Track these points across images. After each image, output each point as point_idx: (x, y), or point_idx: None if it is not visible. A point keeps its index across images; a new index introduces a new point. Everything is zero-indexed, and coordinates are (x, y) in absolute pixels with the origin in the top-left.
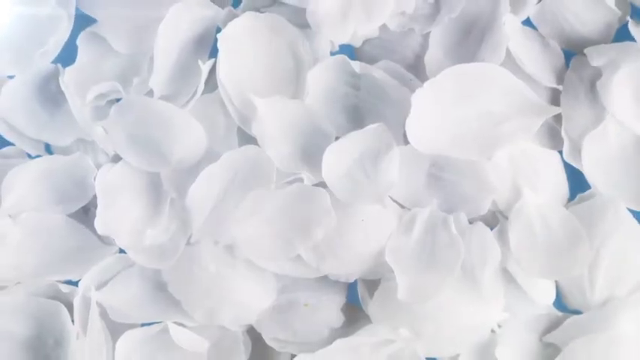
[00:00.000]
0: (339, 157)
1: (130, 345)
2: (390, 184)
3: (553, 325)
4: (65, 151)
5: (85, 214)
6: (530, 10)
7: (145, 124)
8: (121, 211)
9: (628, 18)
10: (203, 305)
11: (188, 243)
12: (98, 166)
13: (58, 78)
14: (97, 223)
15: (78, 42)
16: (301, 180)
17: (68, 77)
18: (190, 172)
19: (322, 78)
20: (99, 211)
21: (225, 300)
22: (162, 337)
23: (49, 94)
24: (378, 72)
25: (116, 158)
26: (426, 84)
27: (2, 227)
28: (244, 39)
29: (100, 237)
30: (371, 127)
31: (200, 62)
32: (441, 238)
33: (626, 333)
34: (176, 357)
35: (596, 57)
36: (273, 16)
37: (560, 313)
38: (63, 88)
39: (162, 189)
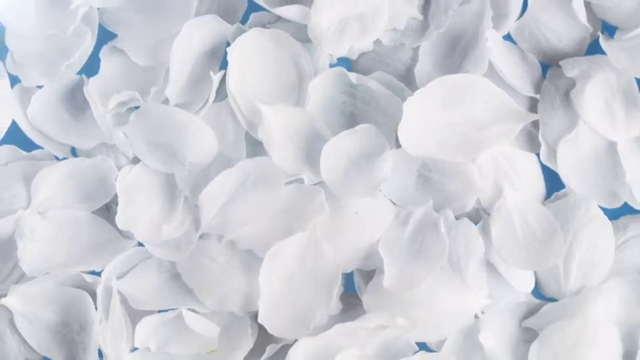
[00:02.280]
0: (337, 159)
1: (148, 329)
2: (381, 179)
3: (531, 311)
4: (89, 153)
5: (107, 210)
6: (511, 26)
7: (161, 130)
8: (139, 209)
9: (599, 33)
10: (214, 293)
11: (200, 237)
12: (119, 168)
13: (82, 88)
14: (118, 219)
15: (101, 55)
16: (302, 180)
17: (92, 87)
18: (202, 173)
19: (322, 88)
20: (120, 208)
21: (234, 288)
22: (177, 323)
23: (75, 102)
24: (372, 82)
25: (135, 160)
26: (416, 93)
27: (32, 223)
28: (251, 52)
29: (120, 232)
30: (362, 127)
31: (211, 73)
32: (430, 235)
33: (596, 318)
34: (189, 340)
35: (571, 68)
36: (277, 32)
37: (537, 301)
38: (87, 96)
39: (177, 188)
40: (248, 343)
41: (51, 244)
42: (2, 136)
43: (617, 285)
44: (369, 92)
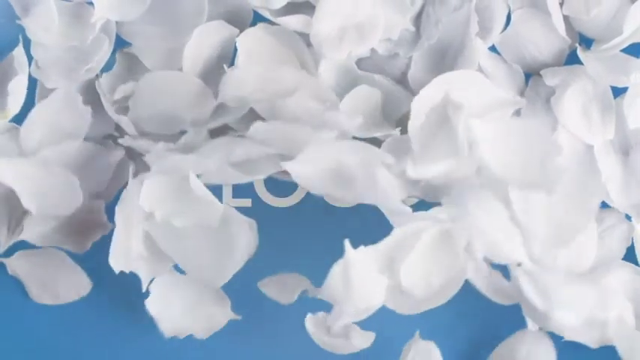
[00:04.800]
0: None
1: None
2: None
3: None
4: None
5: None
6: (495, 39)
7: None
8: None
9: (577, 45)
10: None
11: None
12: None
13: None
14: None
15: (117, 56)
16: None
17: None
18: None
19: None
20: None
21: None
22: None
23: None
24: None
25: None
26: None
27: None
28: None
29: None
30: None
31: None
32: None
33: None
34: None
35: (551, 77)
36: (282, 29)
37: None
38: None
39: None
40: None
41: None
42: None
43: None
44: None
